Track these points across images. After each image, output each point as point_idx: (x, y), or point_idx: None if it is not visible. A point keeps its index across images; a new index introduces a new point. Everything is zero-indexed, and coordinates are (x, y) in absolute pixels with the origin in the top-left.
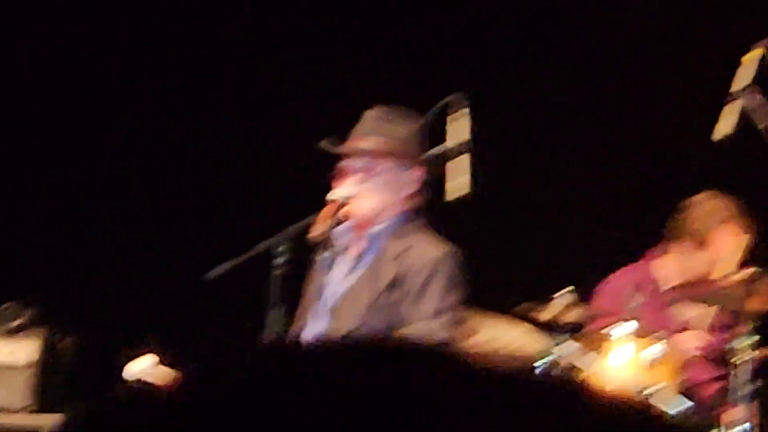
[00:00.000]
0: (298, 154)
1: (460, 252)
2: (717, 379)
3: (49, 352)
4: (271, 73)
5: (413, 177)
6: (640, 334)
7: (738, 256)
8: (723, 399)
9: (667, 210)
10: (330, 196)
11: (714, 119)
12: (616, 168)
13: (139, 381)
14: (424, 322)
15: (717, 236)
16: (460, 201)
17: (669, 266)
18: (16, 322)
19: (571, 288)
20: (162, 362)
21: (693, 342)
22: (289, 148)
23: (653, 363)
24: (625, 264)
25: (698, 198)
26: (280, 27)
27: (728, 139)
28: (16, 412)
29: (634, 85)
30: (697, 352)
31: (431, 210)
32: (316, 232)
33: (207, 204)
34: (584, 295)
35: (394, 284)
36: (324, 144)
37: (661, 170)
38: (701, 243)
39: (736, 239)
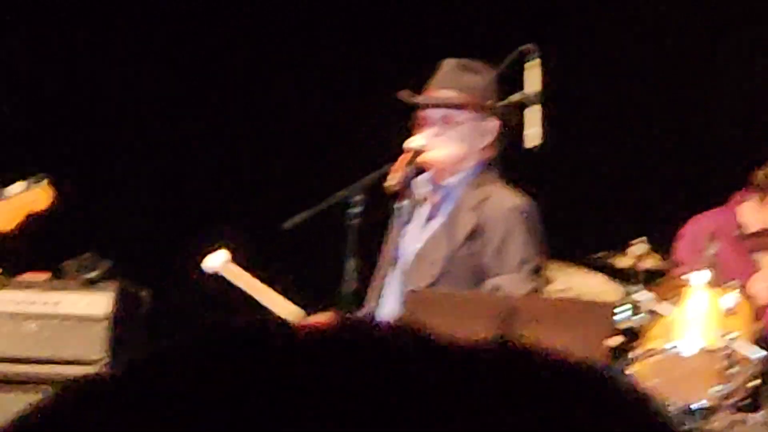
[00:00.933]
0: (376, 103)
1: (536, 203)
2: None
3: (124, 304)
4: (347, 21)
5: (490, 127)
6: (716, 282)
7: None
8: None
9: (752, 155)
10: (407, 144)
11: None
12: (695, 113)
13: (217, 275)
14: (509, 275)
15: None
16: (534, 151)
17: (753, 212)
18: (92, 274)
19: (644, 238)
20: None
21: (765, 291)
22: (367, 97)
23: (730, 311)
24: (702, 210)
25: None
26: None
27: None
28: (91, 364)
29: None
30: None
31: (507, 159)
32: (392, 181)
33: (284, 152)
34: (661, 243)
35: (473, 235)
36: (402, 94)
37: (744, 114)
38: None
39: None
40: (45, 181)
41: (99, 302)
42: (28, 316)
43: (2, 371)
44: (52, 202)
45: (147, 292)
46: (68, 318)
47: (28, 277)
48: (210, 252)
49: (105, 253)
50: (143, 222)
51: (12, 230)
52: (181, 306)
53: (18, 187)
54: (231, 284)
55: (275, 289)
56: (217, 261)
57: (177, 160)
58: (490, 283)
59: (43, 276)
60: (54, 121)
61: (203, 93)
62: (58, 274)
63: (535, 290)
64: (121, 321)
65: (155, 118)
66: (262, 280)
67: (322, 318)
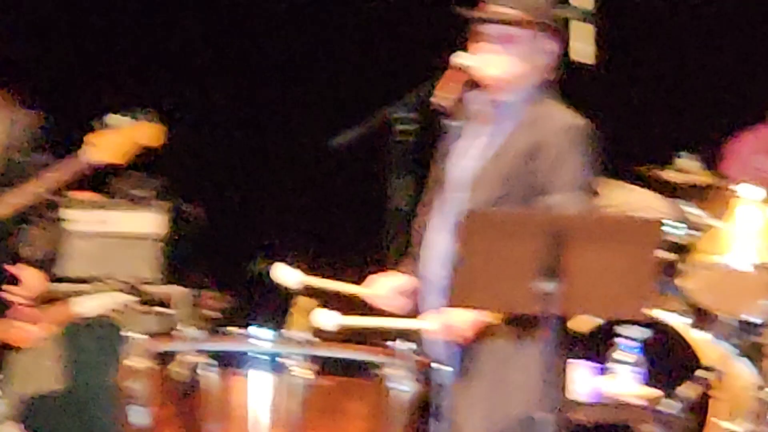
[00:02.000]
0: (426, 16)
1: (591, 124)
2: None
3: (176, 223)
4: None
5: (549, 48)
6: (766, 198)
7: None
8: None
9: None
10: (458, 60)
11: None
12: (740, 31)
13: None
14: (562, 194)
15: None
16: (586, 68)
17: None
18: (144, 193)
19: (685, 152)
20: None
21: None
22: (416, 10)
23: None
24: (744, 126)
25: None
26: None
27: None
28: (146, 282)
29: None
30: None
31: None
32: (441, 97)
33: (331, 69)
34: (709, 158)
35: (531, 153)
36: (458, 8)
37: None
38: None
39: None
40: (153, 116)
41: (152, 221)
42: (82, 235)
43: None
44: (165, 139)
45: (199, 209)
46: (122, 236)
47: (80, 195)
48: (284, 268)
49: (155, 172)
50: (194, 140)
51: (124, 164)
52: (233, 224)
53: (123, 119)
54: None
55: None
56: (293, 281)
57: (230, 74)
58: (542, 201)
59: (92, 195)
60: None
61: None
62: (108, 193)
63: (589, 210)
64: (175, 239)
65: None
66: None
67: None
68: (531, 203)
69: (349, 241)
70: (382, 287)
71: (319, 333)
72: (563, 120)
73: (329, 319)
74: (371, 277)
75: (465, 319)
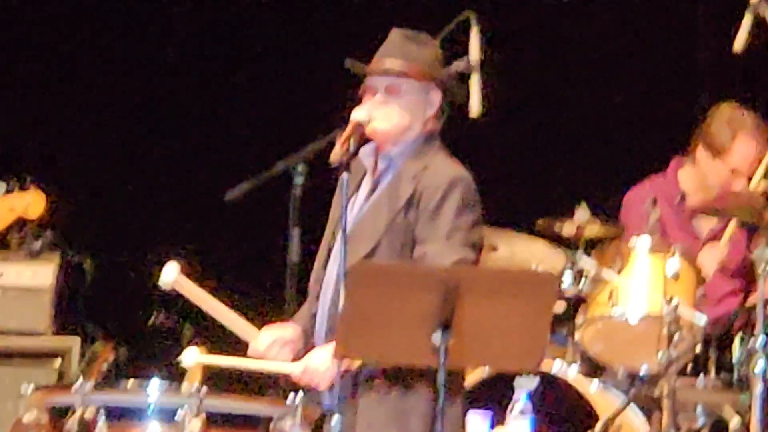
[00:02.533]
0: (321, 71)
1: (471, 176)
2: (736, 292)
3: (68, 274)
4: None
5: (434, 99)
6: (659, 247)
7: (755, 166)
8: (743, 311)
9: (689, 120)
10: (353, 115)
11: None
12: (634, 80)
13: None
14: (437, 244)
15: (733, 145)
16: (477, 119)
17: (691, 176)
18: (36, 245)
19: (584, 204)
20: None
21: (711, 261)
22: (311, 66)
23: (673, 276)
24: (642, 176)
25: (718, 107)
26: None
27: (749, 50)
28: (37, 334)
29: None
30: (716, 268)
31: (453, 127)
32: (337, 152)
33: (227, 122)
34: (603, 209)
35: (410, 203)
36: (349, 62)
37: (677, 80)
38: (718, 152)
39: (752, 150)
40: (33, 186)
41: (42, 273)
42: None
43: None
44: (45, 209)
45: (90, 261)
46: (12, 289)
47: None
48: (162, 265)
49: (50, 224)
50: (86, 193)
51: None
52: (123, 275)
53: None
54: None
55: (226, 303)
56: (169, 276)
57: (124, 124)
58: (418, 250)
59: None
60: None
61: (139, 67)
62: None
63: (464, 260)
64: (65, 291)
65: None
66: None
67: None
68: (408, 254)
69: (247, 293)
70: (264, 340)
71: (213, 385)
72: (443, 171)
73: (190, 357)
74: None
75: (324, 366)
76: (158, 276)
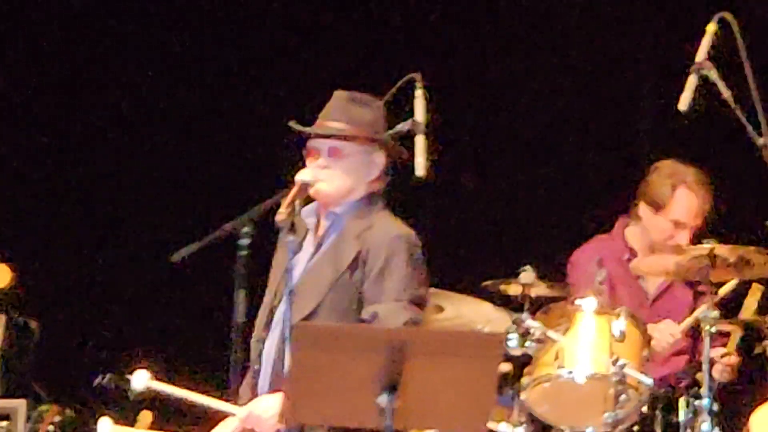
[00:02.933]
0: (265, 133)
1: (416, 235)
2: (683, 351)
3: (13, 335)
4: (236, 53)
5: (378, 160)
6: (605, 308)
7: (698, 220)
8: (690, 370)
9: (634, 180)
10: (298, 177)
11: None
12: (579, 140)
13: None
14: (386, 304)
15: (673, 198)
16: (421, 181)
17: (637, 234)
18: None
19: (528, 266)
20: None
21: (666, 337)
22: (255, 128)
23: (619, 337)
24: (591, 236)
25: (659, 163)
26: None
27: (693, 108)
28: None
29: (591, 59)
30: (670, 347)
31: (395, 188)
32: (281, 213)
33: (173, 186)
34: (552, 270)
35: (355, 263)
36: (293, 124)
37: (623, 141)
38: (659, 206)
39: (693, 202)
40: None
41: None
42: None
43: None
44: (10, 281)
45: (36, 322)
46: None
47: None
48: (132, 372)
49: None
50: (29, 254)
51: None
52: (69, 336)
53: None
54: None
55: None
56: (140, 384)
57: (68, 188)
58: (367, 311)
59: None
60: None
61: (81, 128)
62: None
63: (413, 320)
64: (10, 353)
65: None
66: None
67: None
68: (358, 313)
69: (193, 354)
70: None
71: None
72: (388, 231)
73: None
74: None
75: (268, 413)
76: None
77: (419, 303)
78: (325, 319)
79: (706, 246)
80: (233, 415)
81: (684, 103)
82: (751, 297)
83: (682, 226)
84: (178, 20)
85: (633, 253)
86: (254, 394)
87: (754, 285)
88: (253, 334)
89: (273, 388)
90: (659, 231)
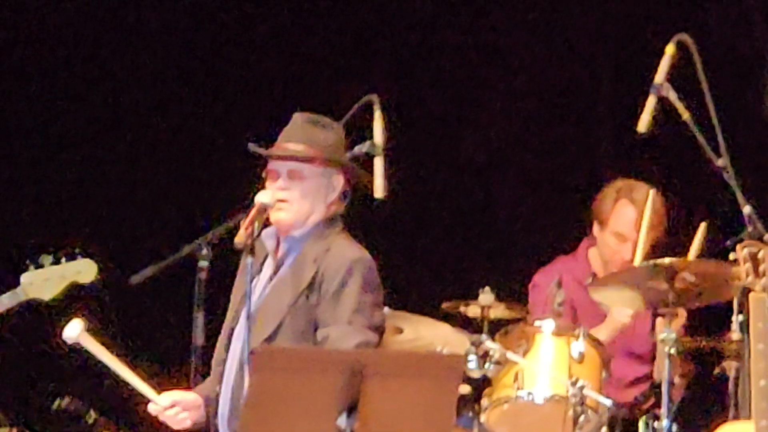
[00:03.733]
0: (224, 155)
1: (371, 258)
2: (648, 377)
3: None
4: (195, 74)
5: (337, 183)
6: (564, 329)
7: (649, 234)
8: (648, 394)
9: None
10: (257, 198)
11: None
12: (539, 162)
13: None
14: (340, 326)
15: (613, 210)
16: (381, 201)
17: (597, 255)
18: None
19: (486, 288)
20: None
21: (624, 313)
22: (213, 149)
23: (579, 358)
24: (552, 257)
25: (611, 181)
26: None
27: (652, 130)
28: None
29: (552, 79)
30: (629, 320)
31: (353, 209)
32: (241, 236)
33: (130, 207)
34: (511, 291)
35: (312, 285)
36: (252, 146)
37: (583, 162)
38: (604, 221)
39: (631, 213)
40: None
41: None
42: None
43: None
44: (96, 276)
45: None
46: None
47: None
48: (67, 322)
49: None
50: None
51: (53, 299)
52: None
53: (51, 258)
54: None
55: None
56: (74, 331)
57: (31, 204)
58: (320, 333)
59: None
60: None
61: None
62: None
63: (365, 343)
64: None
65: None
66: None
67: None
68: (311, 336)
69: (151, 376)
70: (166, 399)
71: None
72: (344, 253)
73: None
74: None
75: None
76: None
77: (375, 327)
78: (283, 342)
79: (661, 261)
80: (154, 402)
81: (643, 125)
82: (697, 237)
83: (622, 238)
84: (134, 36)
85: (595, 276)
86: (215, 415)
87: (701, 224)
88: (214, 357)
89: (232, 413)
90: (605, 246)
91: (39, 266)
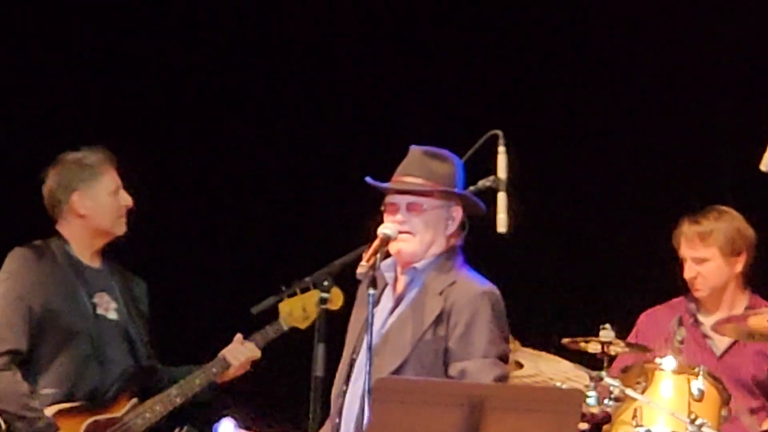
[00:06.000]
0: (343, 188)
1: (498, 291)
2: (763, 407)
3: None
4: (314, 109)
5: (456, 214)
6: (684, 368)
7: (698, 252)
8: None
9: None
10: (380, 230)
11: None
12: (661, 199)
13: None
14: (475, 360)
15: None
16: (504, 236)
17: None
18: None
19: (607, 325)
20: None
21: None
22: (334, 183)
23: (698, 396)
24: (665, 297)
25: None
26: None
27: None
28: None
29: (673, 116)
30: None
31: (479, 244)
32: (364, 267)
33: (255, 238)
34: (624, 329)
35: (439, 319)
36: (371, 180)
37: (705, 201)
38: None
39: (683, 236)
40: (333, 286)
41: None
42: None
43: None
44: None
45: None
46: None
47: None
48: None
49: None
50: None
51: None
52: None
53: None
54: None
55: None
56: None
57: (151, 235)
58: (455, 367)
59: None
60: None
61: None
62: None
63: (502, 377)
64: None
65: None
66: None
67: None
68: (442, 369)
69: (272, 408)
70: None
71: None
72: (472, 287)
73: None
74: None
75: None
76: None
77: (504, 359)
78: (410, 375)
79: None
80: None
81: (766, 163)
82: None
83: (683, 260)
84: (253, 73)
85: (699, 308)
86: None
87: None
88: (333, 388)
89: None
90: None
91: (292, 294)
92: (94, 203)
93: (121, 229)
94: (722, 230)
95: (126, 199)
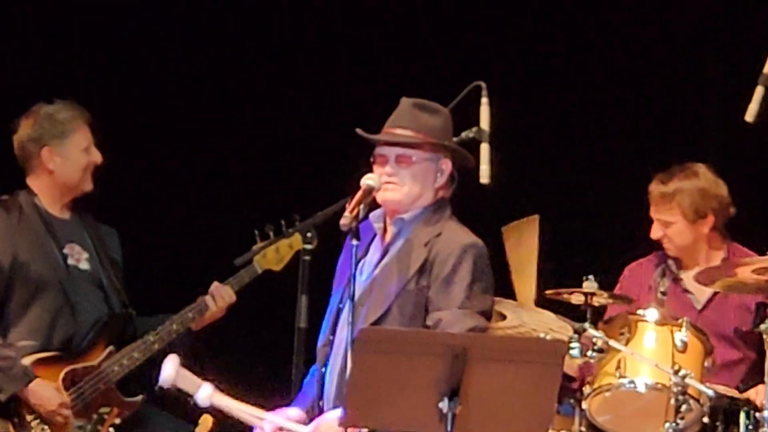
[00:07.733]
0: (329, 139)
1: (483, 244)
2: (743, 360)
3: None
4: (301, 61)
5: (445, 167)
6: (665, 320)
7: (661, 214)
8: (752, 379)
9: None
10: (364, 181)
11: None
12: (644, 152)
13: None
14: (452, 310)
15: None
16: (486, 187)
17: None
18: None
19: (590, 276)
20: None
21: None
22: (319, 134)
23: (682, 348)
24: (650, 250)
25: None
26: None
27: (761, 120)
28: None
29: (657, 68)
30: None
31: (459, 194)
32: (347, 218)
33: (235, 191)
34: (608, 281)
35: (422, 269)
36: (360, 131)
37: (689, 153)
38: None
39: (651, 196)
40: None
41: None
42: None
43: None
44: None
45: None
46: None
47: None
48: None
49: None
50: None
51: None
52: None
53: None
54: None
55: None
56: (204, 401)
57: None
58: (432, 317)
59: None
60: None
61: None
62: None
63: (478, 328)
64: None
65: None
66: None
67: None
68: (424, 318)
69: (255, 361)
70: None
71: None
72: (456, 239)
73: (204, 394)
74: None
75: (335, 428)
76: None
77: (484, 312)
78: (392, 325)
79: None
80: None
81: (751, 114)
82: None
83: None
84: (244, 24)
85: (679, 264)
86: (320, 398)
87: None
88: (319, 339)
89: (339, 392)
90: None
91: (265, 237)
92: (63, 159)
93: (89, 185)
94: (686, 192)
95: (96, 156)
